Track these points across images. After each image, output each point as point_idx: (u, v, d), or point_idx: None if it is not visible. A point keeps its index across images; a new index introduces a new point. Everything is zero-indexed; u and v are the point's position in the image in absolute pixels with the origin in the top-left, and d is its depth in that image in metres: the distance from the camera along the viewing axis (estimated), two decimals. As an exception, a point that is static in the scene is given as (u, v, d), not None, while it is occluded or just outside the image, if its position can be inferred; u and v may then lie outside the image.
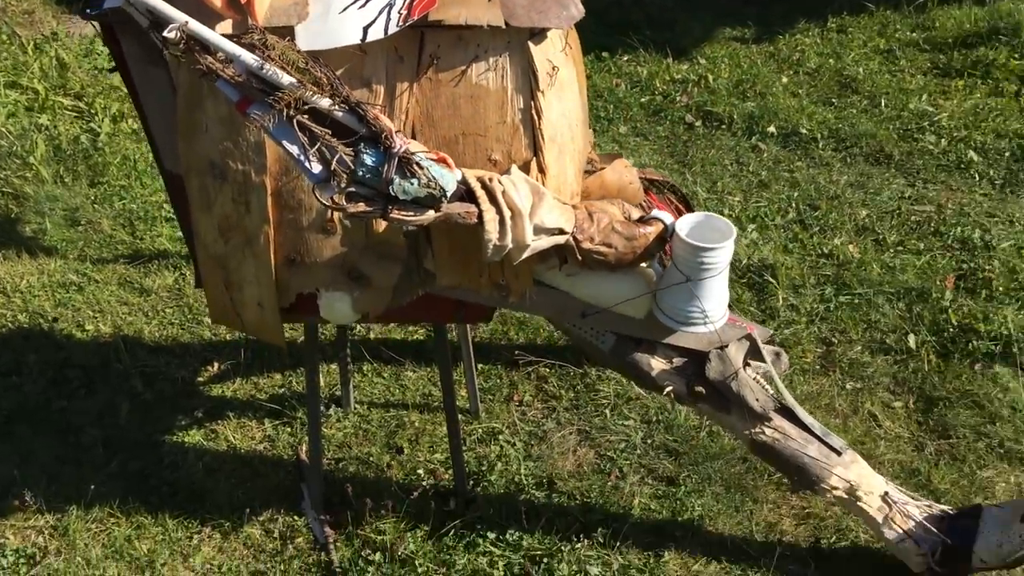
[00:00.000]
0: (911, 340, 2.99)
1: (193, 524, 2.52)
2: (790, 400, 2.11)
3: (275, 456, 2.73)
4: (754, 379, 2.08)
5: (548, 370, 2.98)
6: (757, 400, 2.05)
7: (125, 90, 4.39)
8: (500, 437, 2.74)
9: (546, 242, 1.78)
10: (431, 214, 1.59)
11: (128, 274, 3.51)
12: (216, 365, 3.10)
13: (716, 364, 2.03)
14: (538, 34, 1.74)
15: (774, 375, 2.08)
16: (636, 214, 1.92)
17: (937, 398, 2.80)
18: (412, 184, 1.52)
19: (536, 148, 1.79)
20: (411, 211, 1.58)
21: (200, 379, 3.06)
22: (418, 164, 1.51)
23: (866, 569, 2.26)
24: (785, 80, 5.02)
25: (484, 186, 1.66)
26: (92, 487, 2.57)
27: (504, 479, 2.56)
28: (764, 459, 2.17)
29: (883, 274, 3.36)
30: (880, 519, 2.15)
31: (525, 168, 1.80)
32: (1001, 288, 3.22)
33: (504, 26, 1.66)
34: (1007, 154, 4.15)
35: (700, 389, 2.06)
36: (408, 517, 2.42)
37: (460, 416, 2.81)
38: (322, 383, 2.95)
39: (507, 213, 1.67)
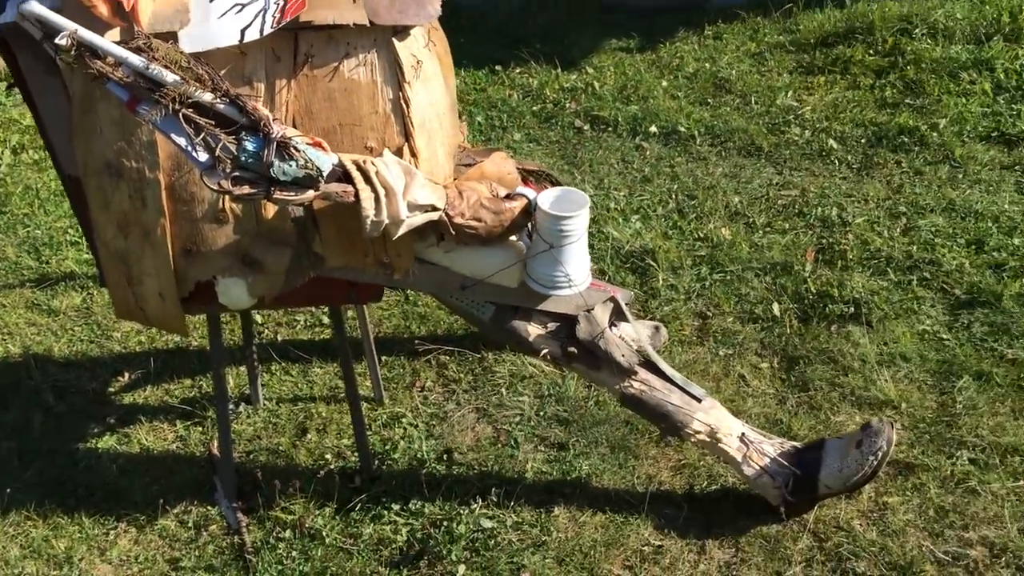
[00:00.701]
0: (775, 308, 3.29)
1: (109, 521, 2.63)
2: (653, 355, 2.35)
3: (188, 454, 2.86)
4: (619, 337, 2.31)
5: (448, 357, 3.18)
6: (623, 356, 2.29)
7: (24, 123, 4.44)
8: (403, 420, 2.92)
9: (421, 218, 1.99)
10: (311, 193, 1.79)
11: (35, 297, 3.59)
12: (127, 375, 3.22)
13: (585, 325, 2.26)
14: (401, 31, 1.95)
15: (641, 334, 2.32)
16: (503, 192, 2.15)
17: (798, 357, 3.09)
18: (291, 166, 1.71)
19: (407, 134, 2.00)
20: (292, 191, 1.77)
21: (111, 389, 3.17)
22: (295, 147, 1.70)
23: (731, 506, 2.51)
24: (665, 84, 5.35)
25: (359, 168, 1.86)
26: (8, 491, 2.66)
27: (407, 456, 2.75)
28: (634, 410, 2.41)
29: (752, 252, 3.66)
30: (739, 458, 2.40)
31: (398, 152, 2.01)
32: (854, 258, 3.55)
33: (369, 24, 1.87)
34: (863, 141, 4.53)
35: (572, 349, 2.29)
36: (317, 497, 2.58)
37: (365, 403, 2.99)
38: (232, 384, 3.09)
39: (381, 191, 1.87)
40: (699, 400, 2.37)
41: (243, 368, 3.12)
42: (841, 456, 2.33)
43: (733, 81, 5.25)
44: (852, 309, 3.25)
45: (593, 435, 2.80)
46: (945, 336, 3.13)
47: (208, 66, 1.71)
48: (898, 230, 3.74)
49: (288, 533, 2.47)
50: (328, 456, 2.77)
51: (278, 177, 1.71)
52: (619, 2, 6.84)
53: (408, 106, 1.95)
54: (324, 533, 2.46)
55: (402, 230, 1.94)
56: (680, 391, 2.35)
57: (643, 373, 2.33)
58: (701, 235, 3.81)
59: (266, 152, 1.68)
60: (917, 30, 5.26)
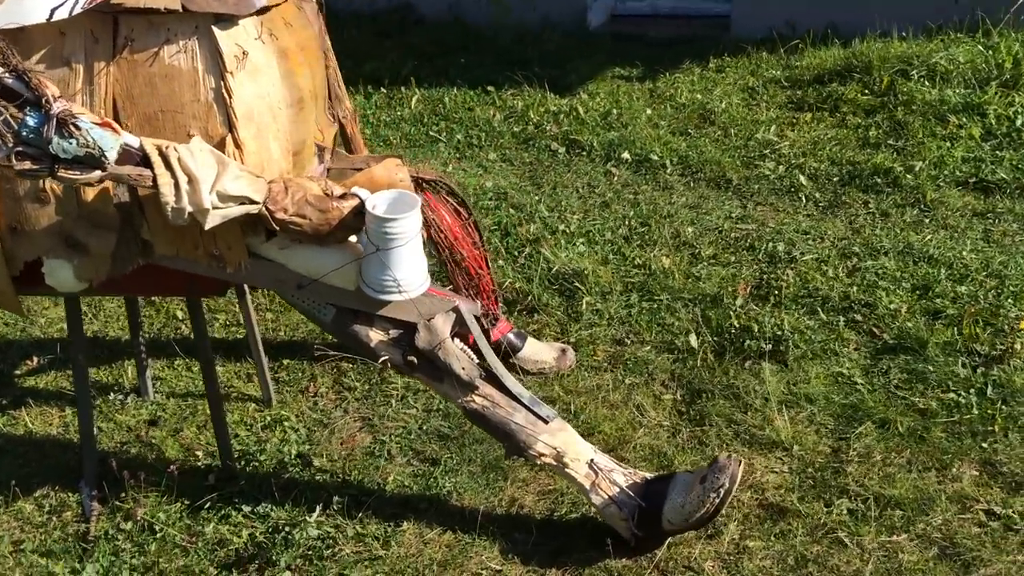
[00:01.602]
0: (692, 340, 3.17)
1: (-28, 499, 2.64)
2: (499, 370, 2.28)
3: (67, 440, 2.86)
4: (461, 349, 2.24)
5: (350, 364, 3.14)
6: (463, 369, 2.22)
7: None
8: (286, 424, 2.88)
9: (237, 210, 1.96)
10: (97, 173, 1.77)
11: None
12: (35, 360, 3.25)
13: (424, 334, 2.20)
14: (226, 20, 1.93)
15: (483, 345, 2.25)
16: (339, 191, 2.11)
17: (702, 390, 2.97)
18: (70, 144, 1.70)
19: (230, 125, 1.98)
20: (77, 170, 1.76)
21: (17, 372, 3.20)
22: (75, 125, 1.69)
23: (585, 536, 2.40)
24: (649, 112, 5.28)
25: (160, 153, 1.84)
26: None
27: (273, 460, 2.70)
28: (478, 425, 2.33)
29: (686, 283, 3.55)
30: (587, 485, 2.30)
31: (221, 143, 1.99)
32: (789, 295, 3.41)
33: (182, 10, 1.85)
34: (835, 179, 4.39)
35: (412, 359, 2.23)
36: (169, 492, 2.55)
37: (253, 404, 2.96)
38: (131, 374, 3.09)
39: (183, 178, 1.85)
40: (546, 421, 2.28)
41: (161, 360, 3.12)
42: (686, 491, 2.21)
43: (718, 113, 5.16)
44: (770, 346, 3.12)
45: (469, 453, 2.73)
46: (859, 380, 2.98)
47: (2, 40, 1.71)
48: (844, 271, 3.59)
49: (129, 525, 2.44)
50: (200, 453, 2.74)
51: (58, 154, 1.70)
52: (637, 34, 6.81)
53: (231, 96, 1.93)
54: (165, 528, 2.42)
55: (212, 220, 1.91)
56: (526, 410, 2.27)
57: (485, 388, 2.26)
58: (640, 262, 3.72)
59: (46, 128, 1.67)
60: (915, 71, 5.11)
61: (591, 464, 2.30)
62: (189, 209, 1.87)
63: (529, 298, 3.44)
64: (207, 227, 1.93)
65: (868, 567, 2.29)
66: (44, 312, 3.55)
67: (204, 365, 2.50)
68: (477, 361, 2.27)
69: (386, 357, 2.22)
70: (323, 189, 2.06)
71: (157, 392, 3.03)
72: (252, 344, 2.88)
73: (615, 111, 5.29)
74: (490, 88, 5.81)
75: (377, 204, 2.06)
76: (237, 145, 1.97)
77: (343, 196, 2.09)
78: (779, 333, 3.16)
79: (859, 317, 3.29)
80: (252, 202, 1.96)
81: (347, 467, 2.68)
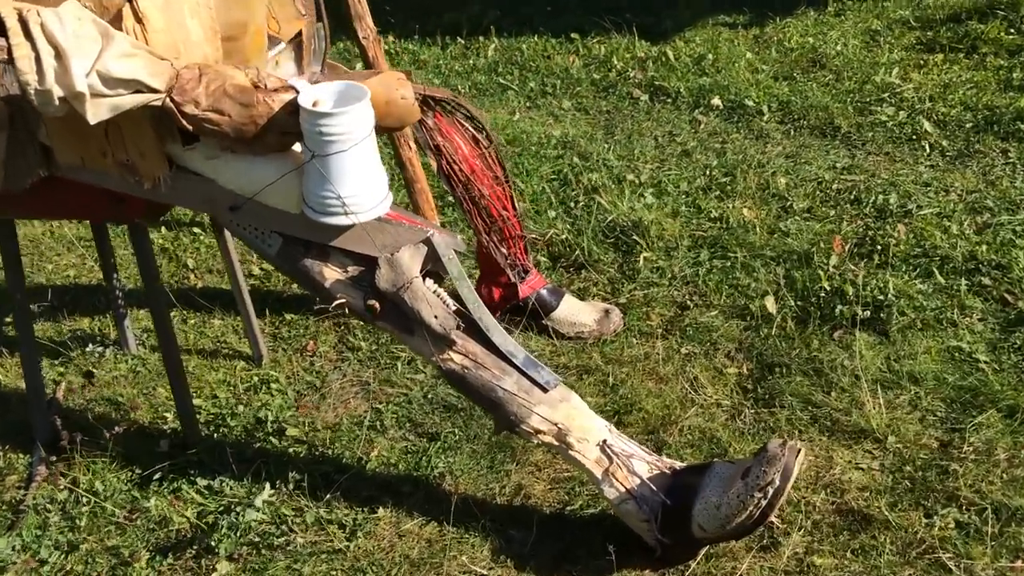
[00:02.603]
0: (769, 304, 2.58)
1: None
2: (487, 322, 1.77)
3: (38, 394, 2.52)
4: (434, 293, 1.75)
5: (358, 322, 2.69)
6: (436, 318, 1.73)
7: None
8: (273, 385, 2.46)
9: (130, 100, 1.52)
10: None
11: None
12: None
13: (386, 272, 1.72)
14: None
15: (465, 289, 1.75)
16: (274, 83, 1.64)
17: (776, 364, 2.38)
18: None
19: (129, -8, 1.53)
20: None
21: (8, 319, 2.90)
22: None
23: (595, 537, 1.88)
24: (750, 56, 4.63)
25: (20, 18, 1.42)
26: None
27: (242, 426, 2.28)
28: (459, 391, 1.83)
29: (770, 238, 2.95)
30: (598, 473, 1.77)
31: (116, 18, 1.55)
32: (899, 254, 2.76)
33: None
34: (968, 125, 3.66)
35: (373, 303, 1.75)
36: (118, 458, 2.17)
37: (242, 362, 2.56)
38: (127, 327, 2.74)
39: (47, 51, 1.42)
40: (545, 389, 1.76)
41: (143, 311, 2.76)
42: (723, 487, 1.65)
43: (831, 56, 4.46)
44: (868, 313, 2.50)
45: (475, 429, 2.23)
46: (983, 357, 2.32)
47: None
48: (972, 227, 2.90)
49: (64, 495, 2.06)
50: (169, 415, 2.34)
51: None
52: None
53: (127, -44, 1.48)
54: (101, 501, 2.03)
55: (97, 111, 1.48)
56: (519, 374, 1.76)
57: (467, 344, 1.75)
58: (717, 215, 3.12)
59: None
60: (1075, 3, 4.24)
61: (604, 447, 1.77)
62: (58, 92, 1.44)
63: (576, 252, 2.90)
64: (91, 119, 1.49)
65: (976, 602, 1.68)
66: (56, 258, 3.25)
67: (155, 311, 2.09)
68: (455, 308, 1.76)
69: (343, 300, 1.75)
70: (251, 80, 1.59)
71: (142, 344, 2.65)
72: (236, 292, 2.47)
73: (710, 56, 4.66)
74: (574, 36, 5.26)
75: (318, 98, 1.58)
76: (138, 18, 1.53)
77: (276, 89, 1.61)
78: (881, 298, 2.53)
79: (988, 281, 2.61)
80: (151, 90, 1.52)
81: (329, 439, 2.23)
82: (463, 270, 1.77)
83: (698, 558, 1.79)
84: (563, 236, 2.98)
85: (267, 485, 1.99)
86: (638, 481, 1.75)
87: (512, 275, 2.55)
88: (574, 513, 1.97)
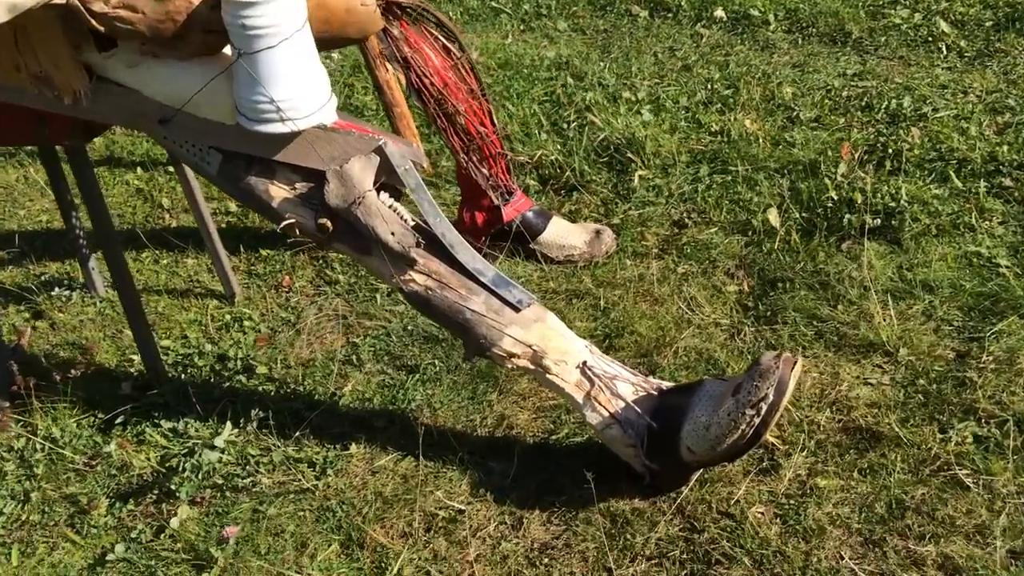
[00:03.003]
0: (772, 217, 2.39)
1: None
2: (452, 238, 1.61)
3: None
4: (390, 208, 1.59)
5: (337, 254, 2.55)
6: (392, 234, 1.57)
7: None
8: (246, 323, 2.33)
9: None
10: None
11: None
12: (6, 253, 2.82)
13: (335, 186, 1.56)
14: None
15: (425, 202, 1.59)
16: (196, -20, 1.47)
17: (779, 280, 2.21)
18: None
19: None
20: None
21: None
22: None
23: (580, 466, 1.73)
24: (756, -35, 4.36)
25: None
26: None
27: (211, 366, 2.15)
28: (425, 315, 1.68)
29: (774, 150, 2.76)
30: (579, 397, 1.62)
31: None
32: (913, 159, 2.57)
33: None
34: (988, 24, 3.42)
35: (324, 221, 1.59)
36: (79, 403, 2.05)
37: (216, 301, 2.43)
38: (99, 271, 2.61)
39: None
40: (517, 308, 1.60)
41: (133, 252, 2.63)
42: (714, 406, 1.50)
43: (843, -41, 4.17)
44: (879, 221, 2.32)
45: (457, 359, 2.09)
46: (1003, 262, 2.13)
47: None
48: (992, 128, 2.69)
49: (22, 443, 1.95)
50: (136, 358, 2.22)
51: None
52: None
53: None
54: (58, 447, 1.91)
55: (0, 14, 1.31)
56: (487, 293, 1.60)
57: (429, 263, 1.60)
58: (717, 128, 2.93)
59: None
60: None
61: (584, 369, 1.62)
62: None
63: (567, 174, 2.72)
64: (-9, 22, 1.33)
65: (1000, 520, 1.52)
66: (29, 203, 3.12)
67: (106, 245, 1.95)
68: (414, 224, 1.60)
69: (291, 220, 1.59)
70: (170, -27, 1.42)
71: (112, 287, 2.52)
72: (201, 227, 2.32)
73: (713, -32, 4.38)
74: (572, -44, 4.99)
75: (242, -12, 1.40)
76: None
77: (201, -17, 1.44)
78: (892, 205, 2.34)
79: (1009, 182, 2.42)
80: (52, -14, 1.35)
81: (301, 376, 2.09)
82: (421, 181, 1.60)
83: (690, 484, 1.65)
84: (553, 157, 2.80)
85: (228, 425, 1.86)
86: (622, 404, 1.60)
87: (494, 197, 2.38)
88: (559, 442, 1.83)
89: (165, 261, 2.68)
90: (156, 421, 1.99)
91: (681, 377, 1.95)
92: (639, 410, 1.59)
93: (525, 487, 1.74)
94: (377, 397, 2.01)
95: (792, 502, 1.63)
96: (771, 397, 1.43)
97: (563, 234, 2.43)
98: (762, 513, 1.61)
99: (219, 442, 1.81)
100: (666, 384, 1.65)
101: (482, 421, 1.92)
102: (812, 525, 1.57)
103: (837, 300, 2.11)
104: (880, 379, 1.88)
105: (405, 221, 1.60)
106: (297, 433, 1.90)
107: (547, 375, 1.63)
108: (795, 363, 1.47)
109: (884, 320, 1.99)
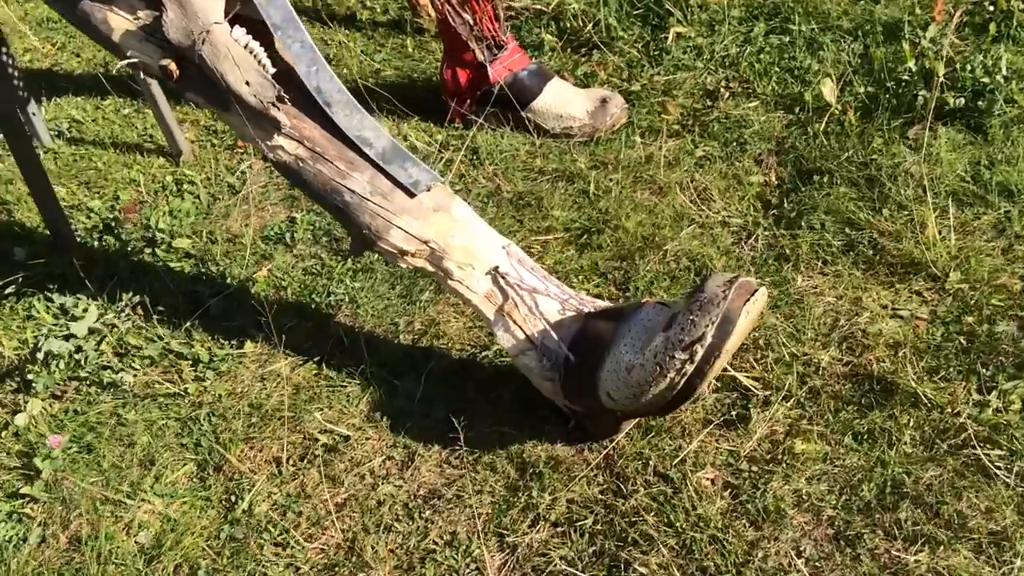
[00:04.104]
0: (827, 90, 1.89)
1: None
2: (331, 94, 1.22)
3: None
4: (245, 48, 1.20)
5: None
6: (248, 84, 1.19)
7: None
8: (186, 187, 2.02)
9: None
10: None
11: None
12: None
13: (174, 16, 1.19)
14: None
15: (294, 42, 1.19)
16: None
17: (817, 171, 1.74)
18: None
19: None
20: None
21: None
22: None
23: (498, 395, 1.37)
24: None
25: None
26: None
27: (129, 235, 1.86)
28: (299, 189, 1.32)
29: (851, 6, 2.20)
30: (489, 312, 1.25)
31: None
32: (1029, 20, 1.98)
33: None
34: None
35: (168, 63, 1.23)
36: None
37: (162, 158, 2.13)
38: (44, 118, 2.33)
39: None
40: (410, 193, 1.22)
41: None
42: (643, 341, 1.10)
43: None
44: (963, 101, 1.78)
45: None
46: (1120, 163, 1.59)
47: None
48: None
49: None
50: (78, 216, 1.95)
51: None
52: None
53: None
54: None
55: None
56: (374, 171, 1.22)
57: (301, 126, 1.22)
58: (786, -23, 2.36)
59: None
60: None
61: (496, 276, 1.23)
62: None
63: (591, 27, 2.25)
64: None
65: (1009, 513, 1.09)
66: None
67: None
68: (276, 71, 1.22)
69: (135, 58, 1.23)
70: None
71: (60, 136, 2.25)
72: (143, 84, 1.99)
73: None
74: None
75: None
76: None
77: None
78: (985, 81, 1.80)
79: None
80: None
81: (222, 253, 1.78)
82: (293, 14, 1.21)
83: (621, 433, 1.26)
84: (576, 6, 2.31)
85: (93, 310, 1.57)
86: (540, 326, 1.21)
87: (479, 51, 1.95)
88: (488, 362, 1.47)
89: (127, 111, 2.37)
90: (48, 295, 1.72)
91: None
92: (557, 336, 1.20)
93: (429, 416, 1.40)
94: (295, 286, 1.68)
95: (754, 470, 1.23)
96: (709, 338, 1.02)
97: (562, 101, 1.99)
98: (711, 481, 1.22)
99: (80, 329, 1.52)
100: (601, 303, 1.25)
101: (407, 326, 1.57)
102: (770, 505, 1.17)
103: (884, 202, 1.62)
104: (915, 311, 1.42)
105: (264, 68, 1.21)
106: (188, 323, 1.60)
107: (449, 280, 1.26)
108: (753, 293, 1.04)
109: (938, 232, 1.51)
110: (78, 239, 1.88)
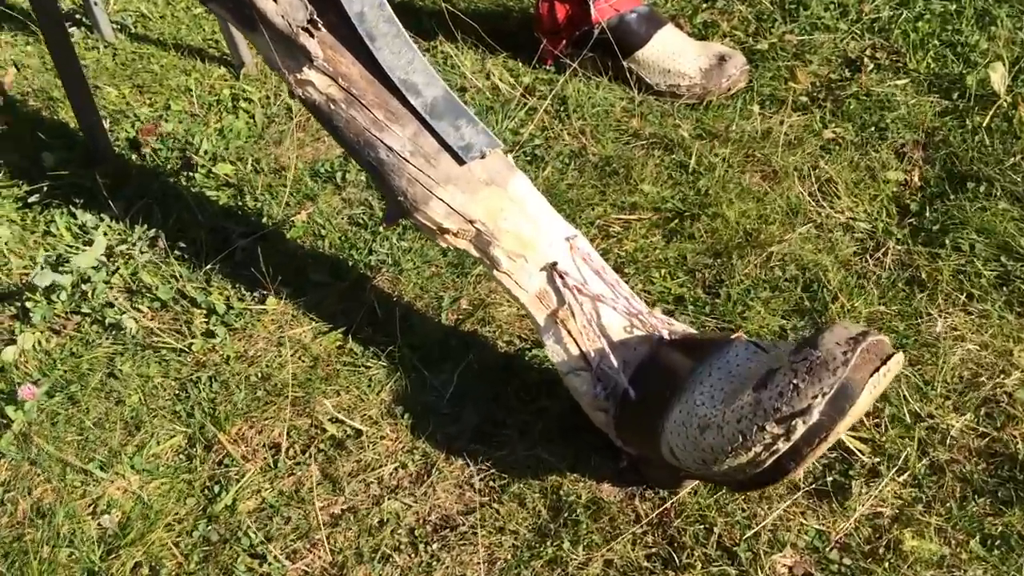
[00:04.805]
0: (996, 75, 1.56)
1: None
2: (374, 23, 0.97)
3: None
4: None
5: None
6: (275, 1, 0.95)
7: None
8: (241, 103, 1.82)
9: None
10: None
11: None
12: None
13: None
14: None
15: None
16: None
17: (972, 176, 1.43)
18: None
19: None
20: None
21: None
22: None
23: (545, 410, 1.14)
24: None
25: None
26: None
27: (169, 152, 1.67)
28: (330, 135, 1.09)
29: (1039, -26, 1.82)
30: (539, 316, 1.01)
31: None
32: None
33: None
34: None
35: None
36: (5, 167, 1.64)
37: (225, 70, 1.93)
38: (111, 8, 2.15)
39: None
40: (460, 160, 0.97)
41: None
42: (728, 391, 0.84)
43: None
44: None
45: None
46: None
47: None
48: None
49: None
50: (124, 123, 1.78)
51: None
52: None
53: None
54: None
55: None
56: (420, 125, 0.97)
57: (337, 58, 0.98)
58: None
59: None
60: None
61: (553, 273, 0.98)
62: None
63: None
64: None
65: None
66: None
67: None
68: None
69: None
70: None
71: (124, 31, 2.06)
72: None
73: None
74: None
75: None
76: None
77: None
78: None
79: None
80: None
81: (265, 186, 1.57)
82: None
83: (684, 490, 1.01)
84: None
85: (102, 240, 1.38)
86: (599, 344, 0.96)
87: (578, -18, 1.67)
88: (537, 363, 1.23)
89: (199, 10, 2.17)
90: (72, 211, 1.55)
91: (754, 306, 1.26)
92: (618, 361, 0.95)
93: (458, 421, 1.17)
94: (335, 237, 1.46)
95: (846, 563, 0.97)
96: (815, 415, 0.75)
97: (673, 53, 1.69)
98: (788, 569, 0.97)
99: (85, 260, 1.33)
100: (679, 327, 0.99)
101: (452, 303, 1.34)
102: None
103: (1056, 224, 1.30)
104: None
105: (298, -16, 0.97)
106: (209, 265, 1.40)
107: (495, 271, 1.01)
108: (885, 360, 0.77)
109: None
110: (117, 150, 1.69)
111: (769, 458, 0.80)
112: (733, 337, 0.92)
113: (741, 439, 0.81)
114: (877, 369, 0.77)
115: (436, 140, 1.00)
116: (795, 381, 0.78)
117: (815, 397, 0.77)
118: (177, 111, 1.82)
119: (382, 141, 1.00)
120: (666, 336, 0.97)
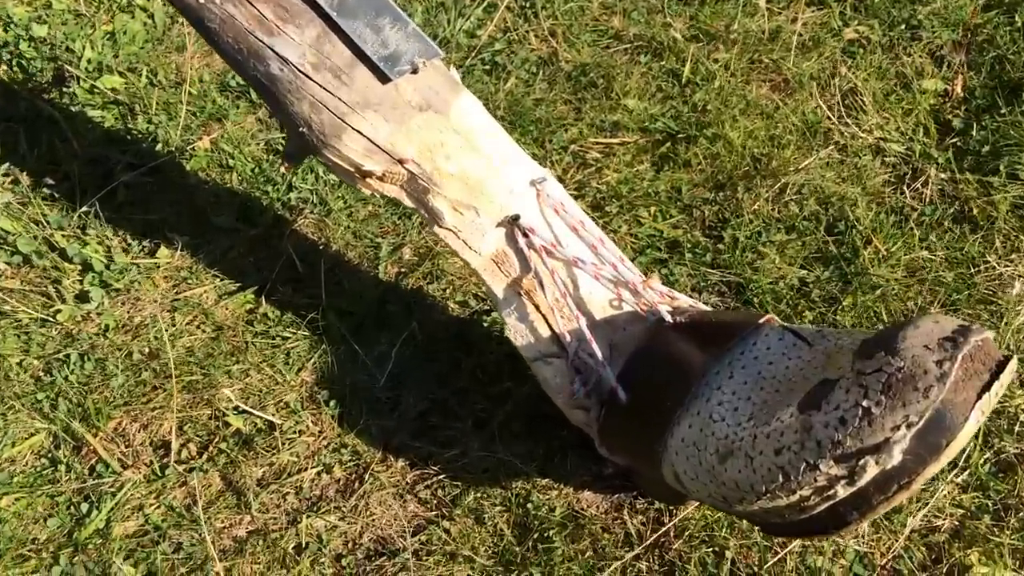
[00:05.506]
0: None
1: None
2: None
3: None
4: None
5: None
6: None
7: None
8: (137, 2, 1.49)
9: None
10: None
11: None
12: None
13: None
14: None
15: None
16: None
17: (1020, 83, 1.15)
18: None
19: None
20: None
21: None
22: None
23: (513, 408, 0.89)
24: None
25: None
26: None
27: (51, 65, 1.36)
28: (208, 43, 0.79)
29: None
30: (496, 286, 0.74)
31: None
32: None
33: None
34: None
35: None
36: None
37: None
38: None
39: None
40: (385, 77, 0.68)
41: None
42: (756, 405, 0.58)
43: None
44: None
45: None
46: None
47: None
48: None
49: None
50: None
51: None
52: None
53: None
54: None
55: None
56: (323, 27, 0.68)
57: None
58: None
59: None
60: None
61: (514, 230, 0.70)
62: None
63: None
64: None
65: None
66: None
67: None
68: None
69: None
70: None
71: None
72: None
73: None
74: None
75: None
76: None
77: None
78: None
79: None
80: None
81: (161, 104, 1.27)
82: None
83: (689, 507, 0.77)
84: None
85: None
86: (575, 325, 0.70)
87: None
88: (497, 332, 0.97)
89: None
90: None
91: (764, 250, 1.01)
92: (599, 349, 0.69)
93: (396, 410, 0.92)
94: (247, 169, 1.17)
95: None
96: (897, 454, 0.50)
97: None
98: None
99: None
100: (687, 304, 0.73)
101: (392, 252, 1.07)
102: None
103: None
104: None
105: None
106: (85, 207, 1.11)
107: (437, 226, 0.74)
108: (997, 372, 0.52)
109: None
110: (-20, 60, 1.37)
111: (821, 504, 0.56)
112: (762, 321, 0.66)
113: (782, 478, 0.56)
114: (987, 387, 0.52)
115: (348, 47, 0.71)
116: (865, 403, 0.53)
117: (896, 429, 0.52)
118: (60, 10, 1.49)
119: (272, 50, 0.71)
120: (668, 316, 0.71)
